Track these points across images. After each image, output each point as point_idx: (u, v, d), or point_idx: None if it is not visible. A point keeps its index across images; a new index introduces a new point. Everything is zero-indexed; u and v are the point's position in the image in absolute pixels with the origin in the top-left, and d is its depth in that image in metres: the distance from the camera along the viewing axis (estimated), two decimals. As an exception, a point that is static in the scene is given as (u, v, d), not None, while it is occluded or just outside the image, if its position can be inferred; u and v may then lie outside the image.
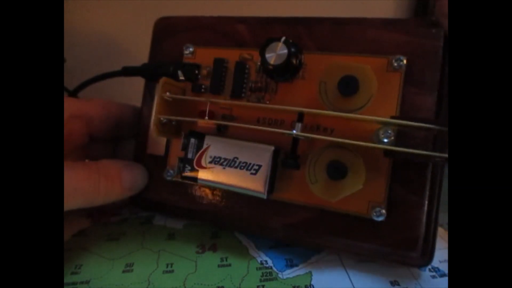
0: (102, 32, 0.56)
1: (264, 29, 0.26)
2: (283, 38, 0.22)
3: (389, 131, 0.21)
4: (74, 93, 0.34)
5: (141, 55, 0.29)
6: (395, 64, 0.22)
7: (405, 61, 0.22)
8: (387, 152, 0.21)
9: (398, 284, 0.22)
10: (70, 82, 0.32)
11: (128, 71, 0.29)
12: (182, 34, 0.28)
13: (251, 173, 0.23)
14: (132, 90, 0.29)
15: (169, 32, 0.28)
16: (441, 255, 0.24)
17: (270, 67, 0.22)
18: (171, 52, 0.28)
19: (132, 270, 0.24)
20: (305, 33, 0.24)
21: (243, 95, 0.25)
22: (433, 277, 0.23)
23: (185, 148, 0.25)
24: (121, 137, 0.32)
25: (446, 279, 0.23)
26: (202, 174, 0.24)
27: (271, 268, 0.24)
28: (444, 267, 0.23)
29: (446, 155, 0.18)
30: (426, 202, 0.21)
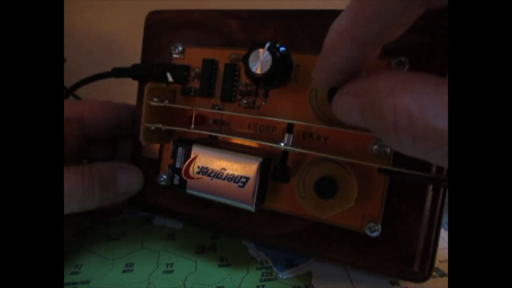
0: (102, 32, 0.56)
1: (257, 26, 0.24)
2: (267, 45, 0.20)
3: (384, 147, 0.20)
4: (65, 97, 0.34)
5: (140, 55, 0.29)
6: (396, 67, 0.20)
7: (407, 64, 0.20)
8: (381, 170, 0.20)
9: (398, 284, 0.22)
10: (70, 82, 0.32)
11: (118, 72, 0.28)
12: (173, 30, 0.27)
13: (239, 186, 0.22)
14: (133, 89, 0.29)
15: (160, 28, 0.27)
16: (441, 255, 0.24)
17: (255, 76, 0.20)
18: (162, 51, 0.27)
19: (132, 270, 0.24)
20: (301, 30, 0.23)
21: (233, 99, 0.24)
22: (433, 277, 0.23)
23: (173, 155, 0.24)
24: (121, 137, 0.32)
25: (446, 279, 0.23)
26: (190, 185, 0.23)
27: (271, 268, 0.24)
28: (444, 267, 0.23)
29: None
30: (427, 217, 0.20)
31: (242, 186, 0.22)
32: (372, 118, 0.14)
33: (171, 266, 0.24)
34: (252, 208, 0.22)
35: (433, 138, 0.12)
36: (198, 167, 0.23)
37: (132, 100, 0.29)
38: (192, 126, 0.24)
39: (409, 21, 0.14)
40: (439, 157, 0.12)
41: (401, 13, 0.14)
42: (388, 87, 0.13)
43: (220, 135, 0.25)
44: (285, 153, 0.22)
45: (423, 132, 0.12)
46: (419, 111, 0.12)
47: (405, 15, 0.14)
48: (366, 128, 0.15)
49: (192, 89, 0.26)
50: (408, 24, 0.15)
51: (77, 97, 0.39)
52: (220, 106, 0.25)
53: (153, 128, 0.25)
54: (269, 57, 0.20)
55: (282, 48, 0.21)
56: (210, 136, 0.25)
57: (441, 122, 0.12)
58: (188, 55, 0.26)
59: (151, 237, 0.28)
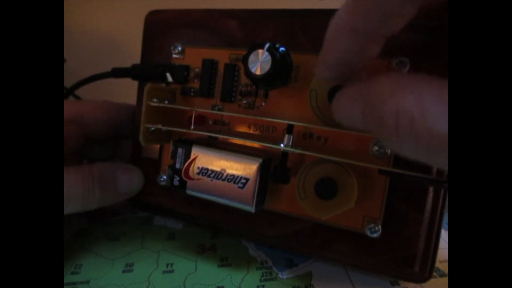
0: (102, 32, 0.56)
1: (257, 26, 0.24)
2: (267, 45, 0.20)
3: (384, 148, 0.20)
4: (65, 97, 0.34)
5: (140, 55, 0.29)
6: (397, 67, 0.20)
7: (408, 64, 0.20)
8: (381, 171, 0.20)
9: (398, 284, 0.22)
10: (70, 82, 0.32)
11: (117, 73, 0.28)
12: (173, 30, 0.27)
13: (239, 187, 0.22)
14: (133, 89, 0.29)
15: (159, 28, 0.27)
16: (441, 255, 0.24)
17: (254, 77, 0.20)
18: (162, 51, 0.27)
19: (132, 270, 0.24)
20: (300, 30, 0.23)
21: (233, 99, 0.24)
22: (433, 277, 0.22)
23: (173, 156, 0.24)
24: (121, 137, 0.32)
25: (446, 279, 0.23)
26: (190, 186, 0.23)
27: (271, 268, 0.24)
28: (444, 267, 0.23)
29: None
30: (427, 218, 0.20)
31: (242, 187, 0.22)
32: (373, 121, 0.14)
33: (171, 266, 0.24)
34: (252, 209, 0.22)
35: (435, 142, 0.12)
36: (198, 167, 0.23)
37: (132, 100, 0.29)
38: (192, 126, 0.24)
39: (408, 13, 0.14)
40: (441, 161, 0.12)
41: (400, 4, 0.14)
42: (390, 89, 0.13)
43: (220, 136, 0.25)
44: (285, 153, 0.22)
45: (425, 135, 0.12)
46: (422, 114, 0.12)
47: (404, 7, 0.14)
48: (366, 131, 0.15)
49: (192, 89, 0.26)
50: (407, 16, 0.14)
51: (77, 97, 0.39)
52: (220, 107, 0.25)
53: (153, 128, 0.25)
54: (269, 57, 0.20)
55: (282, 49, 0.21)
56: (210, 136, 0.25)
57: (444, 125, 0.11)
58: (187, 55, 0.26)
59: (151, 237, 0.28)
